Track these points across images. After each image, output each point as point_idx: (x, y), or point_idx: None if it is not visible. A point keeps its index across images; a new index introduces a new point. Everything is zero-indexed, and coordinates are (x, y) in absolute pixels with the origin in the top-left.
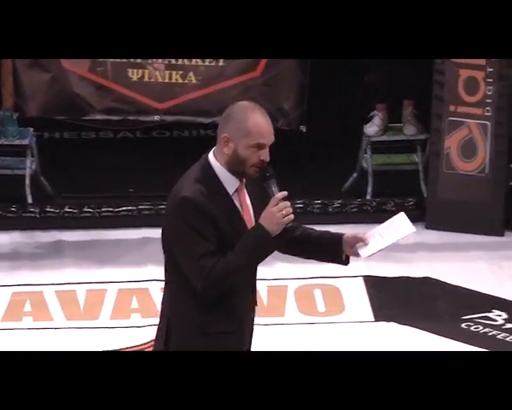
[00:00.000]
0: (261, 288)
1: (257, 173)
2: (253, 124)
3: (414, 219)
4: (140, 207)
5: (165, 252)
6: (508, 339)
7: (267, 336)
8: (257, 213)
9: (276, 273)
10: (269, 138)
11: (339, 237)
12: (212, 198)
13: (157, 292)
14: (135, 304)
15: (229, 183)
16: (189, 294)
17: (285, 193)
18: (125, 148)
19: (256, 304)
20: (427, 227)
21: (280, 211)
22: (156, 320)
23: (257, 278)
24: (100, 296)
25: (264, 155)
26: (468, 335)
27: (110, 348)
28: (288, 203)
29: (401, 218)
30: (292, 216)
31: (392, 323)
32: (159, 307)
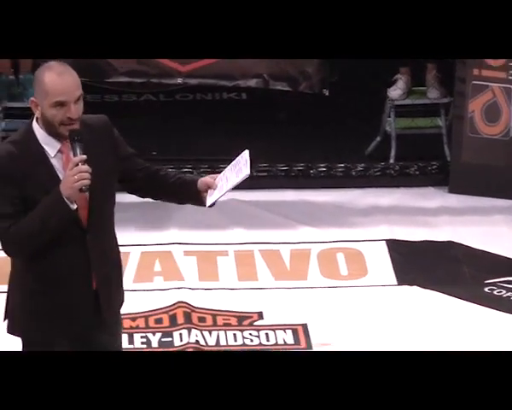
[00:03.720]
0: (284, 251)
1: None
2: (48, 82)
3: (437, 183)
4: None
5: None
6: None
7: (290, 300)
8: (98, 170)
9: (299, 237)
10: (68, 95)
11: (195, 180)
12: (24, 160)
13: (180, 255)
14: (157, 267)
15: (50, 145)
16: None
17: (83, 157)
18: (148, 111)
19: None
20: (451, 191)
21: (73, 175)
22: (179, 283)
23: (102, 261)
24: (123, 259)
25: (70, 112)
26: (491, 299)
27: (133, 311)
28: (83, 168)
29: (244, 157)
30: (86, 181)
31: (415, 287)
32: (182, 270)
